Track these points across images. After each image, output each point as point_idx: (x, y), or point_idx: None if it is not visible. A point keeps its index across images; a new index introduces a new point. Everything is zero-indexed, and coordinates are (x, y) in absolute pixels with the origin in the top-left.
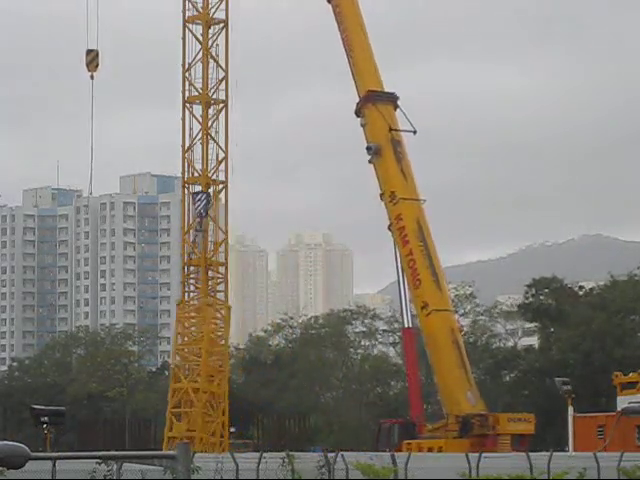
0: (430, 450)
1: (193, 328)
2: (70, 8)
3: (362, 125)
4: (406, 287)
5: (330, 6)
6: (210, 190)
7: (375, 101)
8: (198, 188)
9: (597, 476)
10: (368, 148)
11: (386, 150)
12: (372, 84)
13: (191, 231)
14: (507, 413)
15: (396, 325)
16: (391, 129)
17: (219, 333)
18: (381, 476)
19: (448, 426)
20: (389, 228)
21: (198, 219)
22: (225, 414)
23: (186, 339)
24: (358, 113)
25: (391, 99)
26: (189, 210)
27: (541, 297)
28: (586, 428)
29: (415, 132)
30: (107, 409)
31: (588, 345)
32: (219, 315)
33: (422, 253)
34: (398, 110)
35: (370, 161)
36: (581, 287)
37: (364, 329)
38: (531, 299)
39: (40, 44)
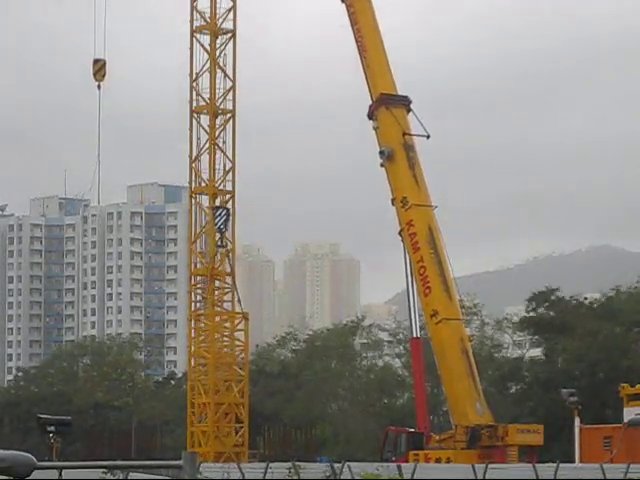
0: (438, 461)
1: (202, 338)
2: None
3: (374, 128)
4: (415, 295)
5: (344, 6)
6: (217, 200)
7: (388, 104)
8: (205, 198)
9: None
10: (381, 152)
11: (399, 154)
12: (385, 87)
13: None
14: (516, 424)
15: (402, 336)
16: (405, 133)
17: (225, 343)
18: None
19: (456, 437)
20: (400, 234)
21: (219, 234)
22: (244, 422)
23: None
24: (370, 116)
25: (404, 102)
26: (196, 220)
27: (543, 310)
28: (592, 439)
29: (428, 137)
30: (113, 418)
31: (594, 356)
32: (228, 325)
33: (433, 260)
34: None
35: (382, 165)
36: (584, 299)
37: (369, 340)
38: (532, 313)
39: (46, 53)
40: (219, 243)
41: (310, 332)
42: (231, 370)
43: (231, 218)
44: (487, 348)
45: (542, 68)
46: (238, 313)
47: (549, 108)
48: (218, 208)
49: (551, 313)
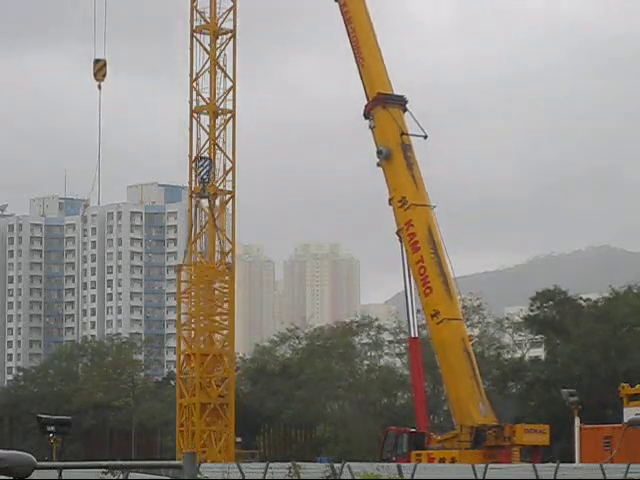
0: (442, 461)
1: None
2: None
3: (371, 127)
4: (414, 295)
5: (337, 5)
6: (217, 200)
7: (385, 104)
8: (205, 199)
9: None
10: (379, 152)
11: (396, 154)
12: (381, 86)
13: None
14: (523, 424)
15: (402, 336)
16: (402, 133)
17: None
18: None
19: (460, 437)
20: (397, 234)
21: (201, 185)
22: (229, 373)
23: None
24: (367, 115)
25: (400, 102)
26: (196, 220)
27: (545, 309)
28: (592, 439)
29: (426, 137)
30: (113, 419)
31: (594, 357)
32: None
33: (433, 260)
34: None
35: (379, 164)
36: (586, 300)
37: (370, 340)
38: (536, 311)
39: (46, 48)
40: (202, 194)
41: (310, 327)
42: (212, 320)
43: (232, 213)
44: (488, 348)
45: None
46: (220, 263)
47: None
48: (201, 159)
49: (554, 312)
